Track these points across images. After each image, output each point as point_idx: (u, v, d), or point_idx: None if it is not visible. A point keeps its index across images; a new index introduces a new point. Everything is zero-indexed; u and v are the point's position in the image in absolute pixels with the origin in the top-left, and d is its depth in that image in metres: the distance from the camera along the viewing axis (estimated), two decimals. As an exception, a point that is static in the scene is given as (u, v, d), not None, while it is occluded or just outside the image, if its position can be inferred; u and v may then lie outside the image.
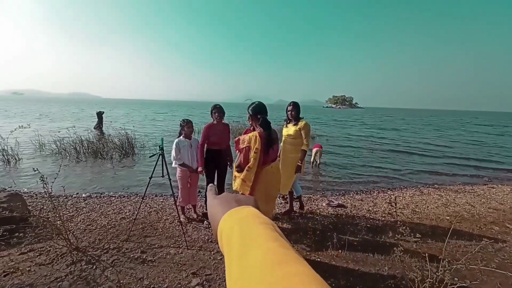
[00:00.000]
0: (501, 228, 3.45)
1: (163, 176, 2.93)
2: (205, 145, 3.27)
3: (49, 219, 2.84)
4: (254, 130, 2.83)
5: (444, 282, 1.70)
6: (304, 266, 0.21)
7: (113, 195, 4.46)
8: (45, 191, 2.54)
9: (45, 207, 3.73)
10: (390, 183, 5.96)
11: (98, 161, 7.08)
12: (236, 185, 2.20)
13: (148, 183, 2.91)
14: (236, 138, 2.46)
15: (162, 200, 4.21)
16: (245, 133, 3.23)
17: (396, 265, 2.50)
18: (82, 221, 3.35)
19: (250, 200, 0.37)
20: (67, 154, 7.41)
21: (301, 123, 3.26)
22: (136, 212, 3.24)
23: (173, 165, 3.28)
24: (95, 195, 4.49)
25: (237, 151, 2.34)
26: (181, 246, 2.83)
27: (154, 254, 2.66)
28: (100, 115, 12.01)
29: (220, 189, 3.48)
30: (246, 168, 2.12)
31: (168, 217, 3.52)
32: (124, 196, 4.41)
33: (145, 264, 2.48)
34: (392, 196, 4.77)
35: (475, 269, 2.34)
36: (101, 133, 11.19)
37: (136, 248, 2.74)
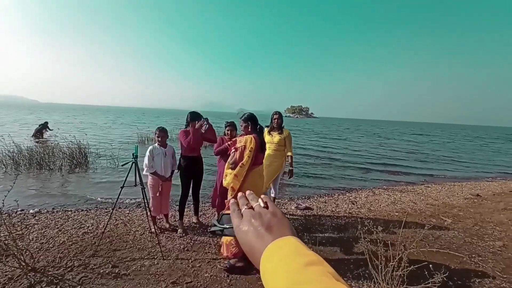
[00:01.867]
0: (438, 220, 4.12)
1: (135, 185, 2.82)
2: (181, 153, 3.27)
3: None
4: (231, 138, 3.15)
5: (401, 266, 2.02)
6: None
7: (69, 210, 4.02)
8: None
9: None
10: (348, 186, 6.57)
11: (44, 173, 6.28)
12: (227, 180, 2.36)
13: (120, 192, 2.76)
14: (234, 139, 2.79)
15: (128, 211, 3.95)
16: (219, 141, 3.33)
17: (360, 257, 2.82)
18: (35, 239, 2.97)
19: (281, 222, 0.35)
20: (3, 166, 6.39)
21: (285, 133, 3.65)
22: (105, 224, 3.03)
23: (144, 172, 3.16)
24: (46, 210, 3.99)
25: (233, 149, 2.55)
26: (155, 257, 2.73)
27: (127, 267, 2.52)
28: (44, 124, 11.14)
29: (195, 195, 3.47)
30: (240, 164, 2.34)
31: (138, 229, 3.34)
32: (82, 210, 4.01)
33: (119, 279, 2.34)
34: (350, 197, 5.30)
35: (421, 254, 2.80)
36: (42, 141, 10.03)
37: (105, 263, 2.56)
